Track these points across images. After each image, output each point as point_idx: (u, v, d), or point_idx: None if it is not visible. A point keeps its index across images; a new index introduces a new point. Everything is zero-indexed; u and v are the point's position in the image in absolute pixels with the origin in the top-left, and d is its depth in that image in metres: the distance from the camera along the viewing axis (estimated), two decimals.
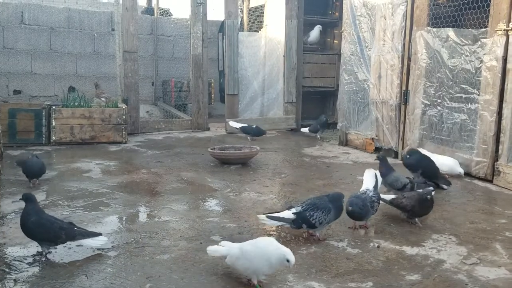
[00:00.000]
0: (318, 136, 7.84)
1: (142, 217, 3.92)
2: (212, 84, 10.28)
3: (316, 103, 9.53)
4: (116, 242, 3.22)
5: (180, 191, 4.56)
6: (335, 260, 2.98)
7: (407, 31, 5.94)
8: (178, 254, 3.04)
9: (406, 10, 5.92)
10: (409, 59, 5.95)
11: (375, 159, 4.53)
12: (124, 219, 3.79)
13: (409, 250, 3.18)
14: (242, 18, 10.35)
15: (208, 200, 4.36)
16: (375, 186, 3.62)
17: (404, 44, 6.00)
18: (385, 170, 4.25)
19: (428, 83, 5.74)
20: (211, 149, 5.86)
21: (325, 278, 2.73)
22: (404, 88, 6.06)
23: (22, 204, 3.94)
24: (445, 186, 4.70)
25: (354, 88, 6.96)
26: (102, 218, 3.74)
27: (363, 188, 3.63)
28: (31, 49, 9.25)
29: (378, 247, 3.21)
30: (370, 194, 3.51)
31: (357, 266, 2.91)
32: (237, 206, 4.09)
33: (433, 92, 5.67)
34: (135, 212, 3.95)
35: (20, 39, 9.14)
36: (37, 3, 9.65)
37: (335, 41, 9.48)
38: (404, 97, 6.05)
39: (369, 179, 3.69)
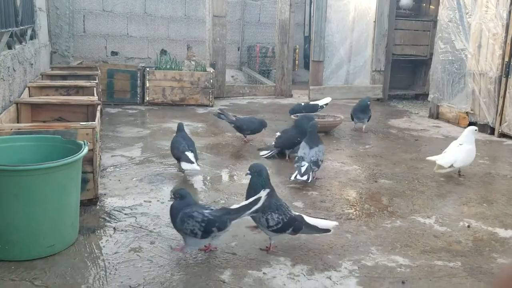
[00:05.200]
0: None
1: (227, 178, 4.07)
2: (297, 50, 10.16)
3: (406, 72, 9.08)
4: (205, 200, 3.39)
5: None
6: (421, 237, 2.90)
7: None
8: None
9: None
10: None
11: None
12: (210, 178, 3.96)
13: (502, 232, 3.01)
14: None
15: (291, 166, 4.40)
16: None
17: (510, 11, 5.48)
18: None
19: None
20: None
21: (410, 254, 2.68)
22: (506, 59, 5.57)
23: (120, 159, 4.30)
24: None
25: (450, 58, 6.53)
26: (191, 177, 3.95)
27: None
28: (127, 12, 9.70)
29: (468, 226, 3.07)
30: None
31: (445, 244, 2.82)
32: (320, 174, 4.10)
33: None
34: (220, 173, 4.11)
35: (117, 2, 9.60)
36: None
37: (431, 6, 8.87)
38: (506, 69, 5.58)
39: None
